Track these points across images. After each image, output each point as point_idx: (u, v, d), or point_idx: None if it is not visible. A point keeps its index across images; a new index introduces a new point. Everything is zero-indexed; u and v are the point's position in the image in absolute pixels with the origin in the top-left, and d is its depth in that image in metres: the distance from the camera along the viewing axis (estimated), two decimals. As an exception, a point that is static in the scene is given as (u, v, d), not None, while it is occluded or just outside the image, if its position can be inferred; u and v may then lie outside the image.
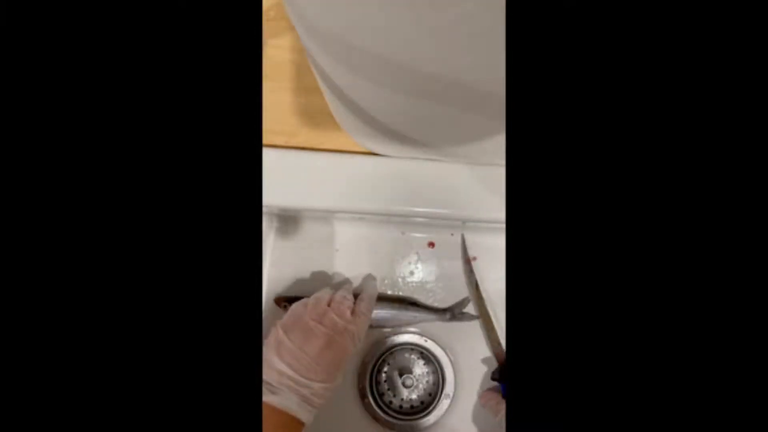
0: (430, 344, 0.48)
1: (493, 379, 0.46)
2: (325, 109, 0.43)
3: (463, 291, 0.49)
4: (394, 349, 0.49)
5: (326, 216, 0.50)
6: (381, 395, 0.48)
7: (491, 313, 0.48)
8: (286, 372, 0.37)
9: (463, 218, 0.45)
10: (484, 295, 0.48)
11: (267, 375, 0.37)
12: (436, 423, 0.47)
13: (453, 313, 0.48)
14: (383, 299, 0.48)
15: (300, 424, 0.36)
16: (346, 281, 0.50)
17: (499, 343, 0.47)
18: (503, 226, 0.43)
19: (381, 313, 0.46)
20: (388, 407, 0.47)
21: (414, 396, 0.48)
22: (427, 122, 0.34)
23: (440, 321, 0.48)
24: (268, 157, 0.43)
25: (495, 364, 0.47)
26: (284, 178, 0.43)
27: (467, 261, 0.49)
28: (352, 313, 0.41)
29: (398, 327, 0.48)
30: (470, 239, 0.50)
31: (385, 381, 0.48)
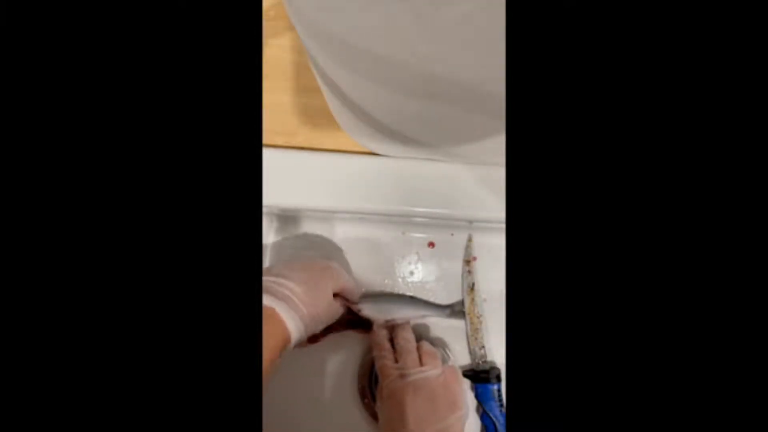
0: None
1: (465, 375, 0.46)
2: (325, 109, 0.43)
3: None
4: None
5: (326, 216, 0.50)
6: (381, 395, 0.48)
7: (481, 315, 0.48)
8: (270, 277, 0.37)
9: (464, 218, 0.45)
10: (479, 297, 0.49)
11: None
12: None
13: (453, 310, 0.48)
14: (381, 295, 0.48)
15: (276, 315, 0.35)
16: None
17: (483, 346, 0.47)
18: (503, 226, 0.43)
19: (381, 308, 0.46)
20: (388, 407, 0.47)
21: (414, 396, 0.48)
22: (427, 122, 0.34)
23: (440, 317, 0.48)
24: (268, 157, 0.43)
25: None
26: (284, 178, 0.43)
27: (467, 261, 0.49)
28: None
29: (397, 322, 0.48)
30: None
31: (385, 381, 0.48)
